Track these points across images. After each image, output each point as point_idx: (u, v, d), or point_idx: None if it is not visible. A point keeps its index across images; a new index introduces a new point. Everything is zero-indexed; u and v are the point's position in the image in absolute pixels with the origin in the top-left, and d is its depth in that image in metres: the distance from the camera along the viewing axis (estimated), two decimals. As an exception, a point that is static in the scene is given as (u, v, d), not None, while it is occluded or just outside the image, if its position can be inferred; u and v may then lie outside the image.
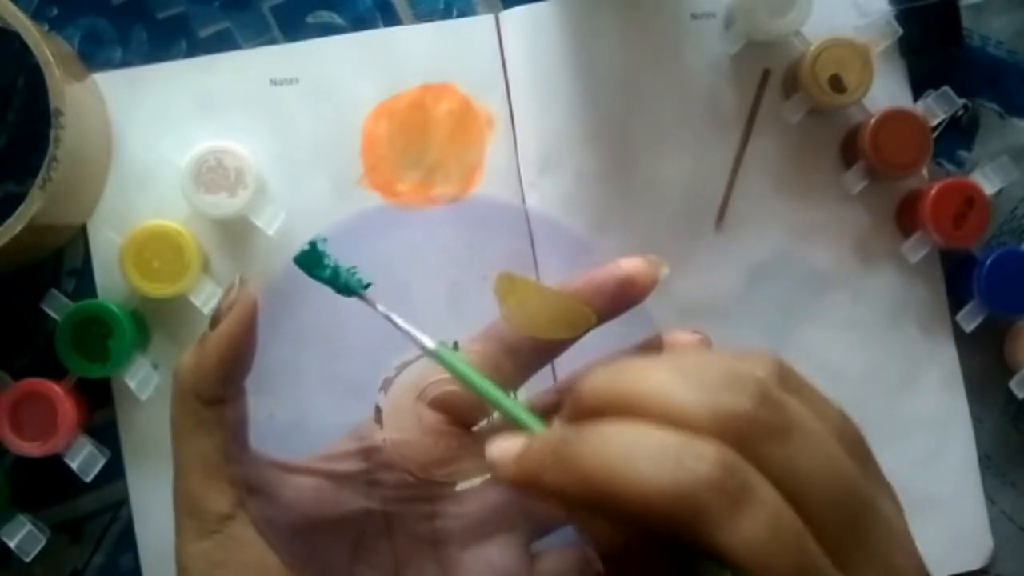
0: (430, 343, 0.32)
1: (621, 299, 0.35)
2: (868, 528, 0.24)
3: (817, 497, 0.23)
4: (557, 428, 0.26)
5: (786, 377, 0.25)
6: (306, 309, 0.35)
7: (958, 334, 0.50)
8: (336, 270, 0.33)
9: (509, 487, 0.27)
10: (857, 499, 0.24)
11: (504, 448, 0.27)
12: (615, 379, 0.25)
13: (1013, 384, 0.49)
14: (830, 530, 0.23)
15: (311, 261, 0.33)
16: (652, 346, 0.35)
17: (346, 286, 0.33)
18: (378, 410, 0.36)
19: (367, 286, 0.33)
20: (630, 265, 0.35)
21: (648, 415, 0.24)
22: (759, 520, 0.22)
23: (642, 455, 0.23)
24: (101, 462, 0.45)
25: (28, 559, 0.44)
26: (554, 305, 0.34)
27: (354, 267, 0.34)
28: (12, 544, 0.44)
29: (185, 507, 0.32)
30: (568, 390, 0.28)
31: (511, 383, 0.35)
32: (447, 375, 0.35)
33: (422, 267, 0.36)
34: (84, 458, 0.45)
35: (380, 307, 0.33)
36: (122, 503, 0.47)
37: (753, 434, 0.23)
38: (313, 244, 0.33)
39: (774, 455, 0.23)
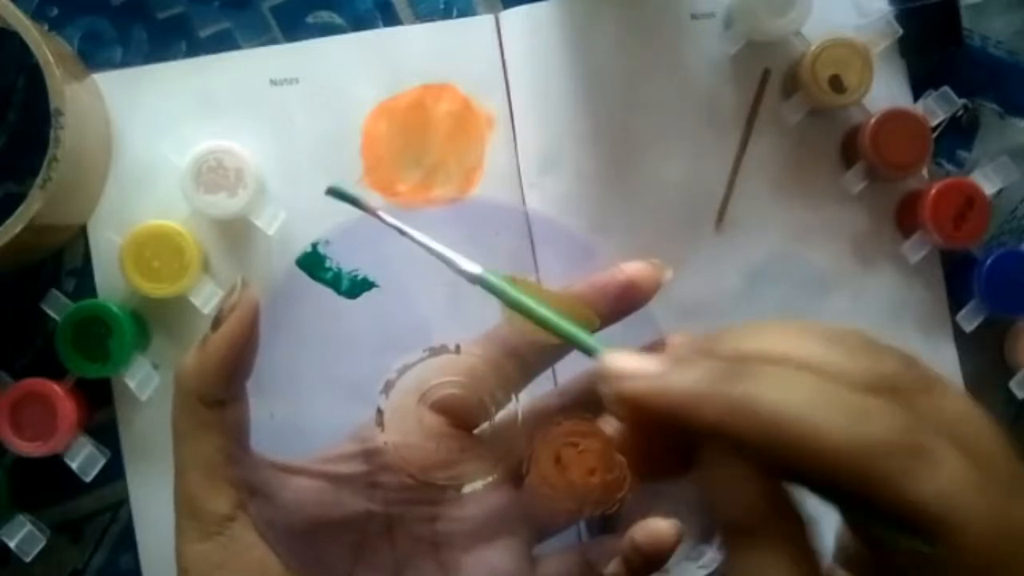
0: (476, 268, 0.31)
1: (624, 303, 0.35)
2: (1008, 449, 0.24)
3: (973, 438, 0.23)
4: (706, 363, 0.24)
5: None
6: (307, 311, 0.35)
7: (958, 334, 0.50)
8: (338, 272, 0.33)
9: (626, 412, 0.25)
10: (997, 432, 0.24)
11: (635, 365, 0.25)
12: (761, 338, 0.24)
13: (1013, 384, 0.49)
14: (992, 466, 0.23)
15: (313, 263, 0.33)
16: (655, 350, 0.35)
17: (349, 288, 0.33)
18: (379, 412, 0.36)
19: (369, 286, 0.33)
20: (633, 269, 0.35)
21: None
22: (947, 471, 0.22)
23: (829, 406, 0.22)
24: (101, 462, 0.45)
25: (28, 559, 0.44)
26: (557, 308, 0.34)
27: (356, 269, 0.34)
28: (12, 544, 0.44)
29: (186, 509, 0.32)
30: (683, 338, 0.27)
31: (513, 386, 0.35)
32: (449, 377, 0.35)
33: (422, 269, 0.36)
34: (84, 458, 0.44)
35: (416, 234, 0.31)
36: (122, 503, 0.47)
37: (908, 390, 0.23)
38: (315, 246, 0.34)
39: (929, 408, 0.23)
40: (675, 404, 0.24)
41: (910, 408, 0.23)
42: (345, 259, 0.34)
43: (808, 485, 0.24)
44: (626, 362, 0.26)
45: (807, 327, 0.25)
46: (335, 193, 0.33)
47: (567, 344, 0.35)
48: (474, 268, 0.31)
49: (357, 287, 0.33)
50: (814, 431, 0.22)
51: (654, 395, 0.25)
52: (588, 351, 0.28)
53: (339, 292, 0.33)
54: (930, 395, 0.23)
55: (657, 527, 0.34)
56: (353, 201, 0.33)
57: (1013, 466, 0.24)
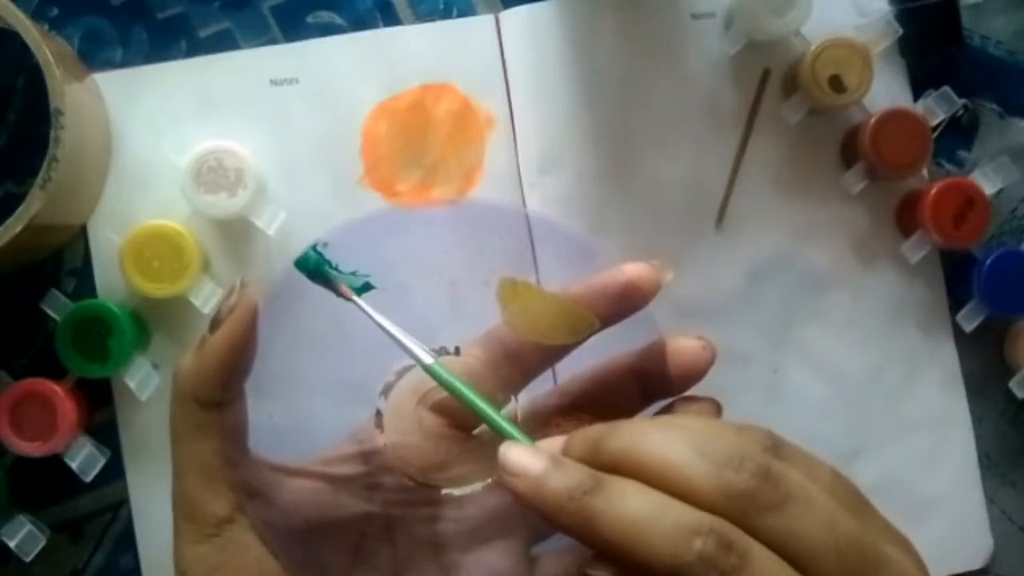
0: (427, 358, 0.33)
1: (624, 304, 0.35)
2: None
3: (821, 558, 0.25)
4: (576, 472, 0.27)
5: (779, 446, 0.28)
6: (305, 312, 0.35)
7: (958, 334, 0.50)
8: (337, 274, 0.33)
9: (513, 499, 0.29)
10: (860, 551, 0.26)
11: (524, 463, 0.28)
12: (638, 441, 0.27)
13: (1013, 384, 0.49)
14: None
15: (311, 265, 0.33)
16: (654, 351, 0.35)
17: (344, 291, 0.33)
18: (379, 414, 0.36)
19: (368, 288, 0.33)
20: (633, 270, 0.35)
21: (663, 484, 0.26)
22: None
23: (657, 529, 0.25)
24: (101, 462, 0.45)
25: (28, 559, 0.44)
26: (556, 310, 0.34)
27: (354, 271, 0.34)
28: (12, 544, 0.44)
29: (184, 510, 0.32)
30: (583, 430, 0.29)
31: (512, 387, 0.35)
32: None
33: (423, 270, 0.36)
34: (84, 458, 0.45)
35: (375, 315, 0.33)
36: (122, 503, 0.47)
37: (754, 508, 0.26)
38: (314, 248, 0.33)
39: (774, 524, 0.26)
40: (542, 509, 0.27)
41: (752, 523, 0.25)
42: (344, 260, 0.34)
43: None
44: (516, 457, 0.29)
45: (687, 429, 0.28)
46: (304, 269, 0.34)
47: (567, 346, 0.35)
48: (426, 358, 0.33)
49: (357, 290, 0.33)
50: (641, 548, 0.25)
51: (529, 497, 0.28)
52: (505, 436, 0.31)
53: (337, 294, 0.33)
54: (782, 510, 0.26)
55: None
56: (323, 277, 0.34)
57: None
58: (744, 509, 0.26)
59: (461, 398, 0.32)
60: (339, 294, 0.33)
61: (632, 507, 0.26)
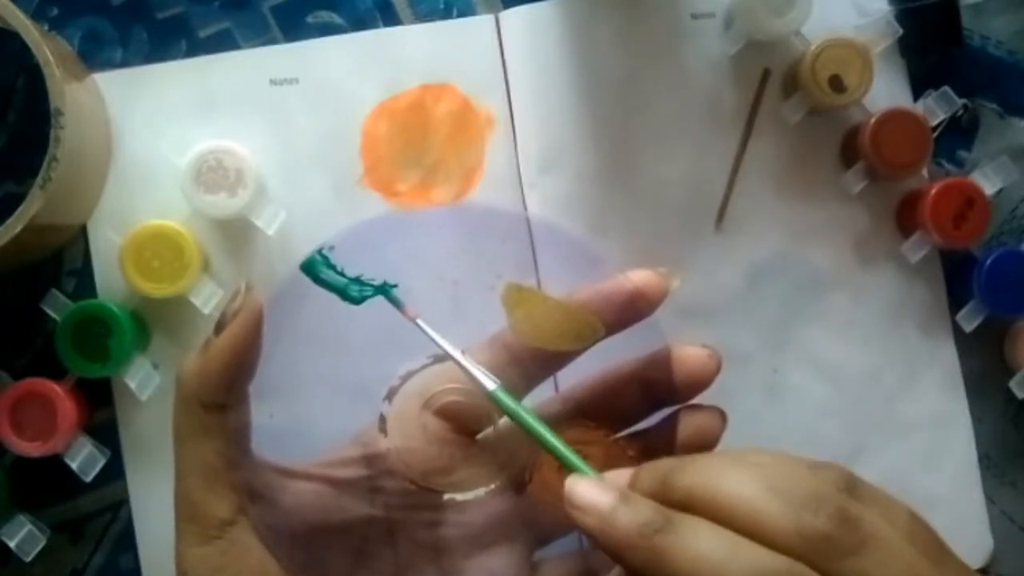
0: (490, 384, 0.33)
1: (630, 312, 0.35)
2: None
3: None
4: (646, 509, 0.27)
5: (856, 486, 0.27)
6: (308, 312, 0.35)
7: (958, 334, 0.50)
8: (342, 278, 0.33)
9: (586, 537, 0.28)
10: None
11: (592, 498, 0.28)
12: (710, 478, 0.27)
13: (1013, 384, 0.49)
14: None
15: (317, 269, 0.33)
16: (659, 359, 0.35)
17: (356, 295, 0.33)
18: (382, 419, 0.36)
19: (388, 289, 0.33)
20: (640, 277, 0.35)
21: (737, 524, 0.26)
22: None
23: (730, 570, 0.25)
24: (101, 462, 0.45)
25: (28, 559, 0.44)
26: (562, 316, 0.34)
27: (359, 275, 0.34)
28: (12, 544, 0.44)
29: (186, 512, 0.32)
30: (652, 463, 0.29)
31: (517, 392, 0.35)
32: (453, 384, 0.35)
33: (426, 274, 0.36)
34: (84, 458, 0.44)
35: (439, 339, 0.33)
36: (122, 503, 0.47)
37: (832, 552, 0.25)
38: (320, 252, 0.34)
39: (851, 570, 0.25)
40: (612, 547, 0.27)
41: (829, 568, 0.25)
42: (348, 264, 0.34)
43: None
44: (584, 492, 0.28)
45: (762, 466, 0.27)
46: (309, 273, 0.34)
47: (572, 352, 0.35)
48: (490, 384, 0.33)
49: (376, 290, 0.33)
50: None
51: (599, 534, 0.28)
52: (570, 467, 0.31)
53: (343, 297, 0.33)
54: (862, 556, 0.25)
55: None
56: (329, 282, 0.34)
57: None
58: (821, 553, 0.25)
59: (525, 426, 0.32)
60: (343, 294, 0.33)
61: (705, 547, 0.25)
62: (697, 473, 0.27)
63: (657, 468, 0.28)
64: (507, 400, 0.32)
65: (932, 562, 0.26)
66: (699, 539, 0.26)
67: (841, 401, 0.49)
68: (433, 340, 0.33)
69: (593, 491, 0.28)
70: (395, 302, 0.33)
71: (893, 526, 0.26)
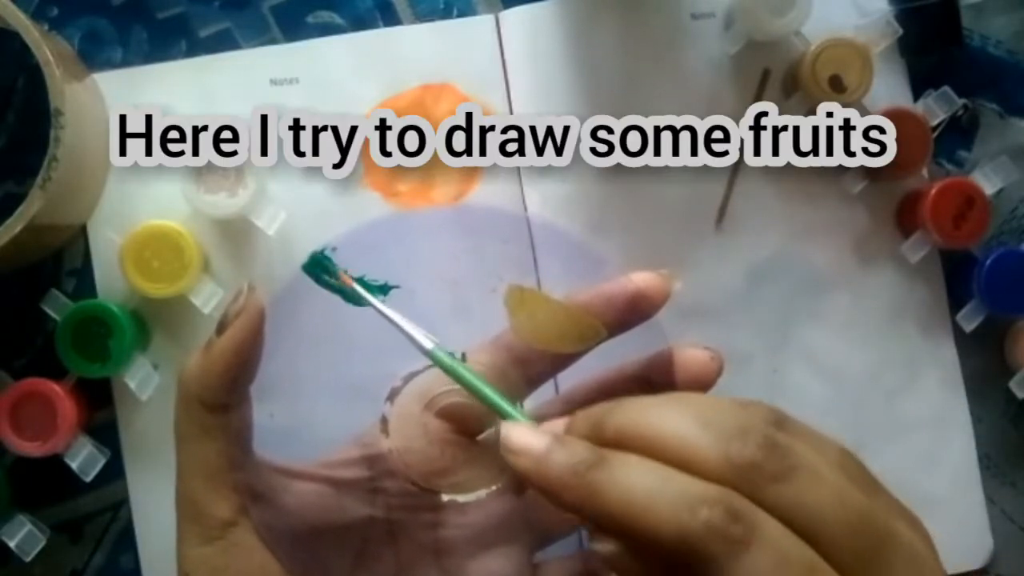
0: (428, 344, 0.32)
1: (632, 314, 0.35)
2: (888, 554, 0.25)
3: (830, 530, 0.25)
4: (579, 448, 0.27)
5: (784, 420, 0.27)
6: (308, 312, 0.35)
7: (958, 334, 0.50)
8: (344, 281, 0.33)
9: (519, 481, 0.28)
10: (870, 527, 0.25)
11: (526, 441, 0.28)
12: (640, 416, 0.27)
13: (1013, 384, 0.49)
14: (849, 561, 0.25)
15: (320, 270, 0.33)
16: (662, 360, 0.35)
17: (354, 295, 0.33)
18: (384, 420, 0.36)
19: (387, 289, 0.33)
20: (641, 279, 0.35)
21: (667, 456, 0.26)
22: (764, 558, 0.24)
23: (662, 500, 0.25)
24: (101, 462, 0.45)
25: (28, 559, 0.44)
26: (564, 318, 0.34)
27: (362, 275, 0.34)
28: (12, 544, 0.44)
29: (187, 512, 0.32)
30: (586, 410, 0.29)
31: (518, 393, 0.35)
32: (455, 386, 0.35)
33: (428, 276, 0.36)
34: (84, 458, 0.44)
35: (384, 308, 0.33)
36: (122, 503, 0.47)
37: (761, 478, 0.25)
38: (322, 252, 0.34)
39: (782, 495, 0.25)
40: (548, 488, 0.27)
41: (759, 494, 0.25)
42: (350, 266, 0.34)
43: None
44: (519, 436, 0.28)
45: (691, 403, 0.27)
46: (311, 273, 0.34)
47: (573, 354, 0.35)
48: (427, 343, 0.33)
49: (375, 290, 0.33)
50: (647, 520, 0.25)
51: (532, 474, 0.27)
52: (503, 416, 0.31)
53: (346, 299, 0.33)
54: (790, 482, 0.25)
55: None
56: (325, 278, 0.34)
57: (871, 558, 0.25)
58: (750, 480, 0.25)
59: (460, 380, 0.32)
60: (345, 295, 0.33)
61: (636, 480, 0.26)
62: (628, 412, 0.27)
63: (591, 413, 0.29)
64: (444, 357, 0.32)
65: (863, 490, 0.26)
66: (630, 472, 0.26)
67: (841, 401, 0.49)
68: (368, 300, 0.33)
69: (527, 435, 0.28)
70: (329, 267, 0.33)
71: (823, 457, 0.26)
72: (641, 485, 0.25)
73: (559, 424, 0.29)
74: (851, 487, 0.26)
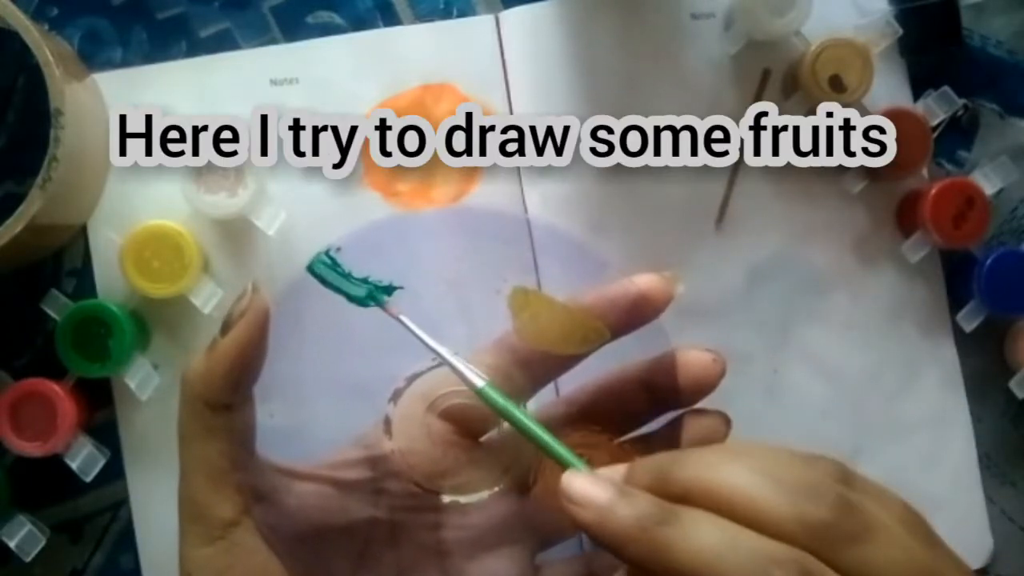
0: (480, 382, 0.32)
1: (635, 316, 0.35)
2: None
3: None
4: (645, 503, 0.27)
5: (850, 477, 0.27)
6: (311, 312, 0.35)
7: (958, 334, 0.50)
8: (350, 280, 0.33)
9: (582, 531, 0.28)
10: None
11: (589, 493, 0.28)
12: (707, 471, 0.27)
13: (1013, 384, 0.49)
14: None
15: (325, 270, 0.33)
16: (664, 363, 0.35)
17: (366, 297, 0.33)
18: (387, 421, 0.36)
19: (392, 290, 0.33)
20: (645, 282, 0.35)
21: (736, 514, 0.25)
22: None
23: (734, 560, 0.24)
24: (101, 462, 0.45)
25: (28, 559, 0.44)
26: (567, 320, 0.34)
27: (367, 276, 0.34)
28: (12, 544, 0.44)
29: (190, 512, 0.32)
30: (647, 459, 0.29)
31: (521, 395, 0.35)
32: (458, 387, 0.35)
33: (431, 277, 0.36)
34: (84, 458, 0.44)
35: (408, 322, 0.33)
36: (122, 503, 0.47)
37: (835, 540, 0.25)
38: (326, 253, 0.34)
39: (855, 558, 0.25)
40: (612, 542, 0.27)
41: (831, 556, 0.25)
42: (356, 266, 0.34)
43: None
44: (581, 487, 0.28)
45: (758, 458, 0.27)
46: (316, 274, 0.34)
47: (577, 356, 0.35)
48: (478, 381, 0.33)
49: (370, 296, 0.33)
50: None
51: (597, 528, 0.27)
52: (563, 464, 0.31)
53: (351, 300, 0.33)
54: (862, 543, 0.25)
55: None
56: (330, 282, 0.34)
57: None
58: (824, 541, 0.25)
59: (515, 423, 0.32)
60: (349, 296, 0.33)
61: (707, 538, 0.25)
62: (694, 466, 0.27)
63: (653, 463, 0.28)
64: (497, 397, 0.32)
65: (927, 548, 0.26)
66: (700, 530, 0.25)
67: (841, 401, 0.49)
68: (420, 339, 0.33)
69: (590, 486, 0.28)
70: (381, 306, 0.33)
71: (889, 514, 0.26)
72: (712, 544, 0.25)
73: (618, 472, 0.29)
74: (918, 546, 0.26)
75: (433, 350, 0.33)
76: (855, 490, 0.27)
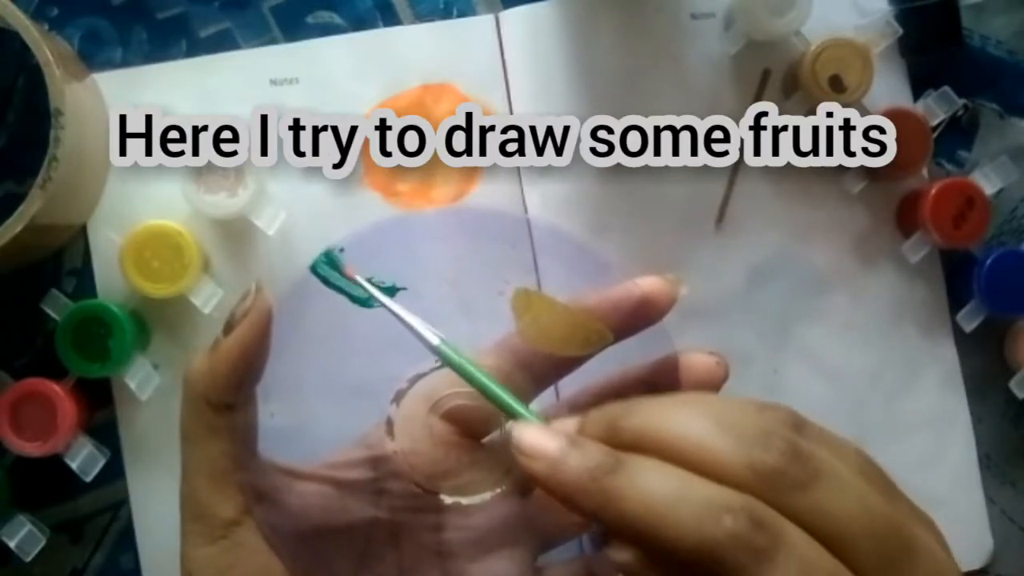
0: (435, 339, 0.32)
1: (638, 318, 0.35)
2: (910, 560, 0.25)
3: (853, 536, 0.24)
4: (596, 452, 0.26)
5: (803, 425, 0.27)
6: (312, 311, 0.35)
7: (958, 334, 0.50)
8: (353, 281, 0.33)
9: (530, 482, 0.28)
10: (893, 532, 0.25)
11: (539, 443, 0.27)
12: (658, 418, 0.26)
13: (1013, 384, 0.49)
14: (872, 568, 0.24)
15: (328, 270, 0.33)
16: (667, 366, 0.35)
17: (361, 296, 0.33)
18: (390, 422, 0.36)
19: (394, 291, 0.33)
20: (648, 284, 0.35)
21: (686, 461, 0.25)
22: (789, 567, 0.23)
23: (684, 507, 0.24)
24: (101, 462, 0.45)
25: (28, 559, 0.44)
26: (570, 322, 0.34)
27: (370, 277, 0.34)
28: (12, 544, 0.44)
29: (192, 512, 0.32)
30: (599, 409, 0.28)
31: (523, 396, 0.35)
32: (461, 388, 0.35)
33: (433, 279, 0.36)
34: (84, 458, 0.44)
35: (392, 304, 0.33)
36: (122, 503, 0.47)
37: (785, 486, 0.24)
38: (330, 253, 0.34)
39: (806, 503, 0.24)
40: (563, 492, 0.26)
41: (782, 502, 0.24)
42: (358, 267, 0.34)
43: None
44: (532, 438, 0.27)
45: (709, 406, 0.26)
46: (318, 274, 0.34)
47: (579, 358, 0.35)
48: (433, 339, 0.32)
49: (373, 297, 0.33)
50: (668, 528, 0.24)
51: (546, 478, 0.26)
52: (512, 415, 0.30)
53: (354, 300, 0.33)
54: (814, 489, 0.25)
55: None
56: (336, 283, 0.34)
57: (893, 565, 0.25)
58: (774, 487, 0.24)
59: (467, 377, 0.31)
60: (351, 296, 0.33)
61: (657, 485, 0.25)
62: (645, 414, 0.27)
63: (605, 413, 0.28)
64: (451, 353, 0.32)
65: (885, 497, 0.26)
66: (650, 478, 0.25)
67: (841, 401, 0.49)
68: (372, 293, 0.32)
69: (541, 436, 0.27)
70: (339, 266, 0.33)
71: (843, 462, 0.26)
72: (662, 491, 0.25)
73: (570, 424, 0.29)
74: (873, 493, 0.25)
75: (384, 304, 0.32)
76: (808, 438, 0.26)
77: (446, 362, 0.32)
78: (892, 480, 0.27)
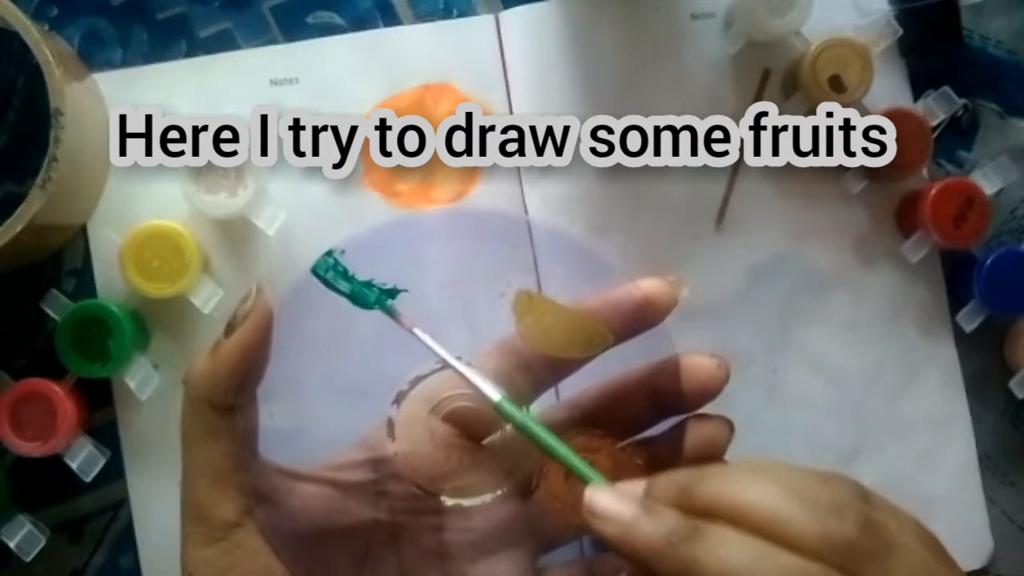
0: (495, 394, 0.33)
1: (639, 320, 0.35)
2: None
3: None
4: (671, 519, 0.27)
5: (868, 495, 0.28)
6: (313, 312, 0.35)
7: (958, 334, 0.50)
8: (354, 282, 0.33)
9: (605, 544, 0.29)
10: None
11: (612, 507, 0.28)
12: (731, 487, 0.27)
13: (1013, 384, 0.49)
14: None
15: (329, 272, 0.33)
16: (668, 368, 0.35)
17: (368, 301, 0.33)
18: (390, 424, 0.36)
19: (396, 293, 0.33)
20: (649, 286, 0.35)
21: (762, 531, 0.26)
22: None
23: (765, 574, 0.25)
24: (101, 462, 0.45)
25: (28, 559, 0.44)
26: (571, 324, 0.34)
27: (371, 279, 0.34)
28: (12, 544, 0.44)
29: (192, 513, 0.32)
30: (668, 474, 0.29)
31: (524, 398, 0.35)
32: (461, 390, 0.35)
33: (436, 280, 0.36)
34: (84, 458, 0.44)
35: (417, 331, 0.33)
36: (122, 503, 0.47)
37: (859, 557, 0.25)
38: (331, 255, 0.34)
39: (879, 574, 0.25)
40: (637, 555, 0.27)
41: (856, 573, 0.25)
42: (359, 268, 0.34)
43: None
44: (606, 503, 0.28)
45: (780, 476, 0.27)
46: (320, 276, 0.34)
47: (580, 359, 0.35)
48: (494, 394, 0.33)
49: (375, 299, 0.33)
50: None
51: (621, 542, 0.28)
52: (584, 480, 0.31)
53: (354, 302, 0.33)
54: (885, 561, 0.25)
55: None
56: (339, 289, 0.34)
57: None
58: (848, 558, 0.25)
59: (532, 436, 0.32)
60: (352, 298, 0.33)
61: (735, 554, 0.25)
62: (718, 483, 0.27)
63: (674, 478, 0.29)
64: (513, 410, 0.32)
65: (944, 566, 0.26)
66: (727, 546, 0.26)
67: (841, 401, 0.49)
68: (433, 351, 0.33)
69: (615, 501, 0.28)
70: (391, 313, 0.33)
71: (906, 532, 0.27)
72: (740, 560, 0.25)
73: (637, 487, 0.29)
74: (936, 563, 0.26)
75: (450, 364, 0.33)
76: (877, 509, 0.27)
77: (508, 420, 0.33)
78: (944, 547, 0.28)
